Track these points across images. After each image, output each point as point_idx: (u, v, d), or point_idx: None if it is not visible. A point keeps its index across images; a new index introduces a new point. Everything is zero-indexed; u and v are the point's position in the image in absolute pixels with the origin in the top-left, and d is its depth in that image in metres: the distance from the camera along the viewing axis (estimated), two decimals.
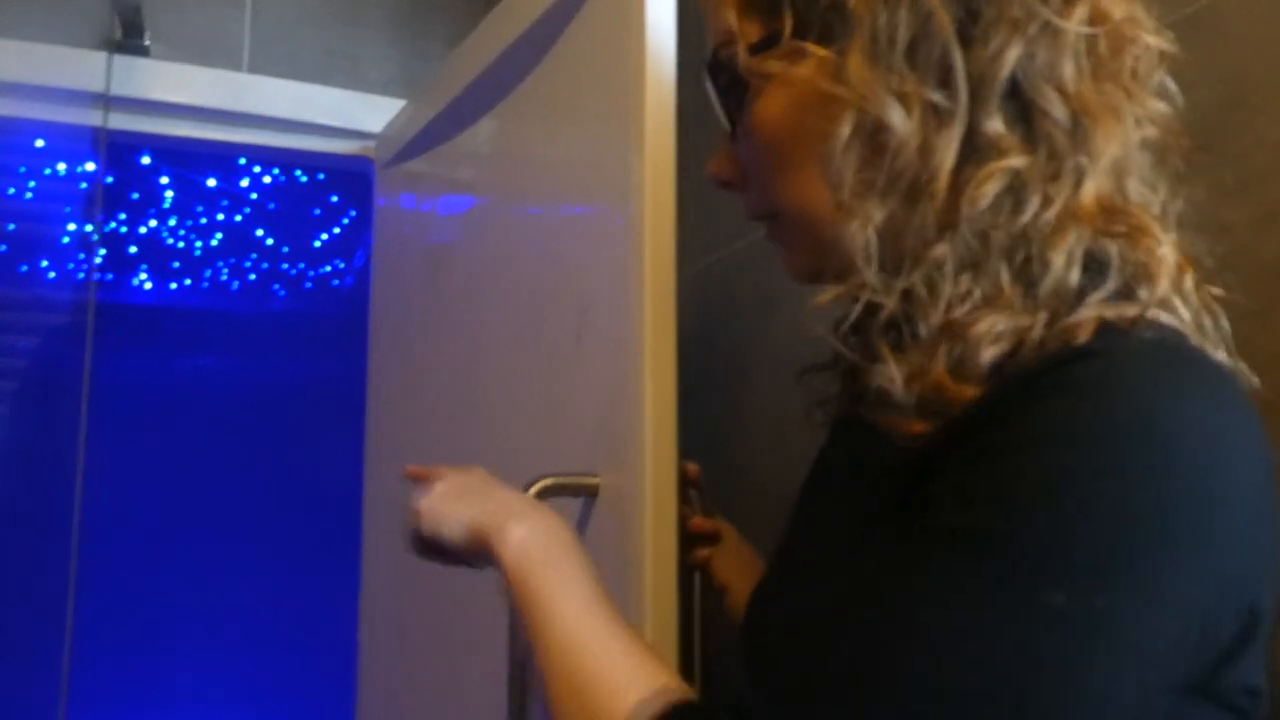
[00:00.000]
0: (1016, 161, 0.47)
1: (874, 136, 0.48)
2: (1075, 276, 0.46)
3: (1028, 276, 0.46)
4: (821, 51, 0.49)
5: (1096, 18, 0.48)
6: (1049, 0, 0.47)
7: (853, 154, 0.48)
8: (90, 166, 2.42)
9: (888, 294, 0.48)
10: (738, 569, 0.88)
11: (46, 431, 2.74)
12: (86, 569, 3.06)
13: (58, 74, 1.40)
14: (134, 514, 3.19)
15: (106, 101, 1.35)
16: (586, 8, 0.97)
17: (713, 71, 0.56)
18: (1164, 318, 0.46)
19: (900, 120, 0.47)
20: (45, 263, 3.00)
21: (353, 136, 1.61)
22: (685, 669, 0.86)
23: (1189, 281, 0.49)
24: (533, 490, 0.82)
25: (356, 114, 1.59)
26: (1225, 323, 0.51)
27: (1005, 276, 0.46)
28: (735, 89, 0.54)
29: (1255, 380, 0.51)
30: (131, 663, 3.13)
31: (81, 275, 2.87)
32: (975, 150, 0.47)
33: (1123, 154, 0.49)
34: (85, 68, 1.40)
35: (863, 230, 0.48)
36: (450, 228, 1.37)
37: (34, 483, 2.76)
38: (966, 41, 0.47)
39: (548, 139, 1.08)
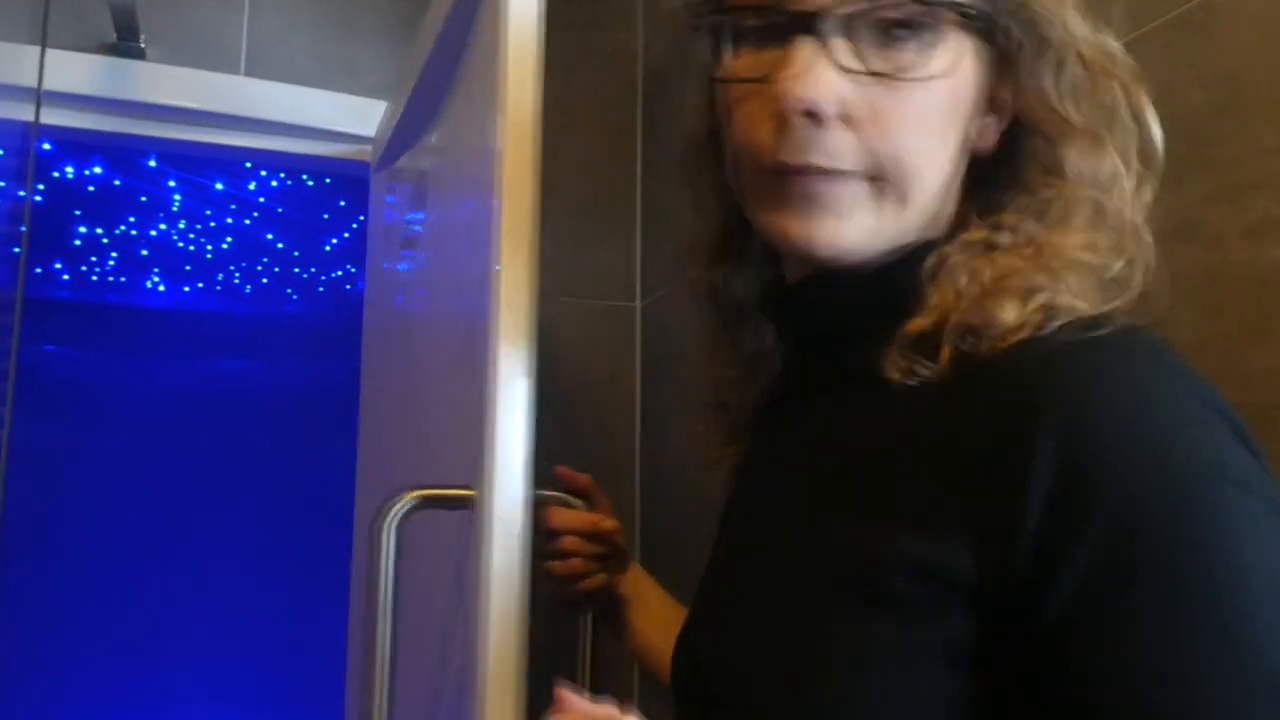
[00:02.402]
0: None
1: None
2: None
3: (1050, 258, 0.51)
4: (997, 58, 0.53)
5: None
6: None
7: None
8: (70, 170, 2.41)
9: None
10: (643, 599, 0.86)
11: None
12: (94, 570, 3.09)
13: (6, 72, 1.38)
14: (146, 515, 3.21)
15: (38, 97, 1.33)
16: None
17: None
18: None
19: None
20: None
21: (350, 140, 1.60)
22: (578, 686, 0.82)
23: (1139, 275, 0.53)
24: (399, 503, 0.79)
25: (353, 118, 1.58)
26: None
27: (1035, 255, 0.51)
28: (931, 32, 0.50)
29: None
30: (134, 663, 3.14)
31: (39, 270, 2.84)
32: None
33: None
34: (27, 63, 1.36)
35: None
36: (412, 233, 1.37)
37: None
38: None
39: (468, 142, 1.03)
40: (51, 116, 1.46)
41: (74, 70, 1.42)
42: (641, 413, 1.69)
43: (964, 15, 0.50)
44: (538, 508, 0.81)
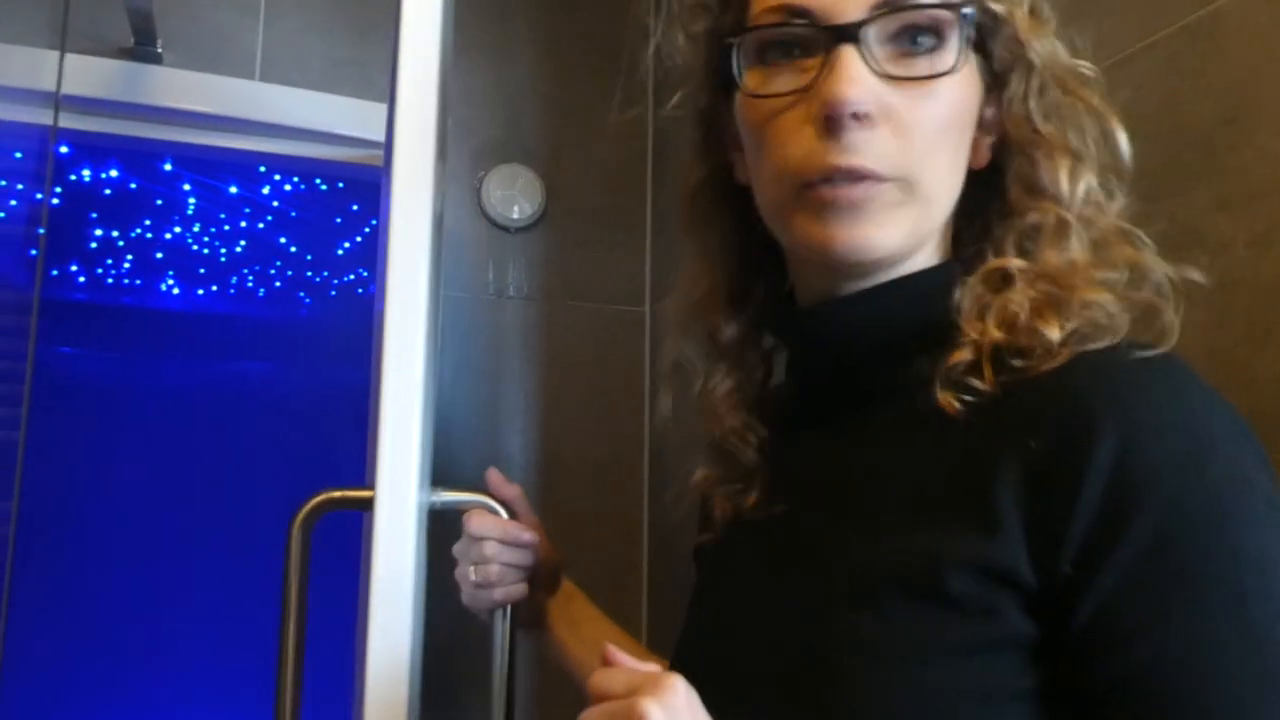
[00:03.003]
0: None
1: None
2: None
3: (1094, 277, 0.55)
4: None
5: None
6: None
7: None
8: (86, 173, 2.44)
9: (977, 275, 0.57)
10: (573, 619, 0.85)
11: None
12: (98, 572, 3.10)
13: (15, 76, 1.39)
14: (158, 515, 3.22)
15: (56, 101, 1.35)
16: None
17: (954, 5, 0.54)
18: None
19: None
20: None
21: (363, 145, 1.62)
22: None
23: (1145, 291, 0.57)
24: (307, 506, 0.79)
25: (366, 123, 1.59)
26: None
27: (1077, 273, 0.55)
28: (964, 40, 0.54)
29: None
30: (145, 664, 3.15)
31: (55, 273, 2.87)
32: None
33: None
34: (34, 67, 1.38)
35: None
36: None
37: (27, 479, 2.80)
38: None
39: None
40: (69, 120, 1.47)
41: (91, 75, 1.44)
42: (650, 416, 1.69)
43: (965, 19, 0.54)
44: (454, 513, 0.80)
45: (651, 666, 0.49)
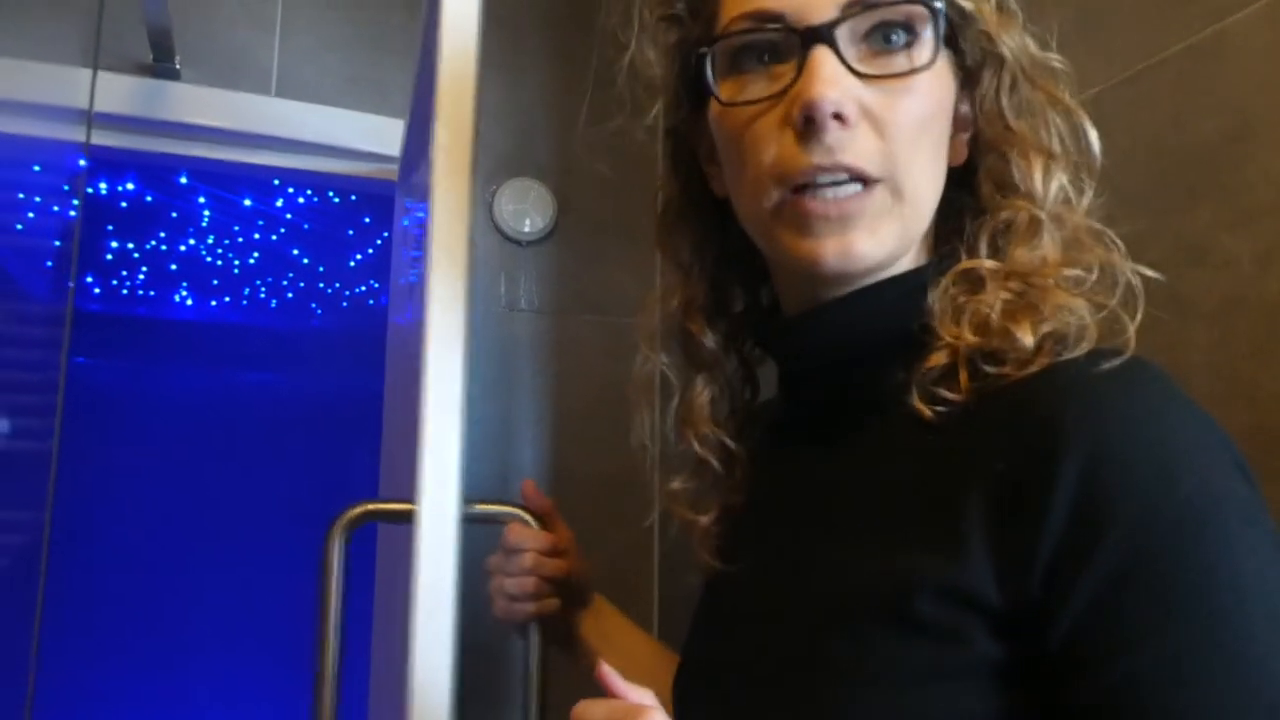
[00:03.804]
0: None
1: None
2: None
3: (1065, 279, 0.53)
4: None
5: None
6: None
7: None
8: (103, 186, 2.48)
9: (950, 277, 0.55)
10: (605, 633, 0.84)
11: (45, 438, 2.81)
12: (110, 581, 3.12)
13: (40, 91, 1.42)
14: (171, 523, 3.24)
15: (89, 119, 1.37)
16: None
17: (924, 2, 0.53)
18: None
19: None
20: (32, 273, 3.09)
21: (377, 159, 1.63)
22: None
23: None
24: (346, 516, 0.80)
25: (381, 137, 1.61)
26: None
27: (1049, 277, 0.53)
28: (934, 39, 0.53)
29: None
30: (155, 671, 3.17)
31: (71, 284, 2.93)
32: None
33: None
34: (67, 85, 1.41)
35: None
36: (420, 247, 1.39)
37: (17, 489, 2.82)
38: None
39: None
40: (79, 134, 1.50)
41: (111, 91, 1.46)
42: (661, 428, 1.70)
43: (938, 14, 0.53)
44: (493, 523, 0.81)
45: (640, 693, 0.49)
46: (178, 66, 1.49)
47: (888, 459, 0.53)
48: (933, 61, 0.53)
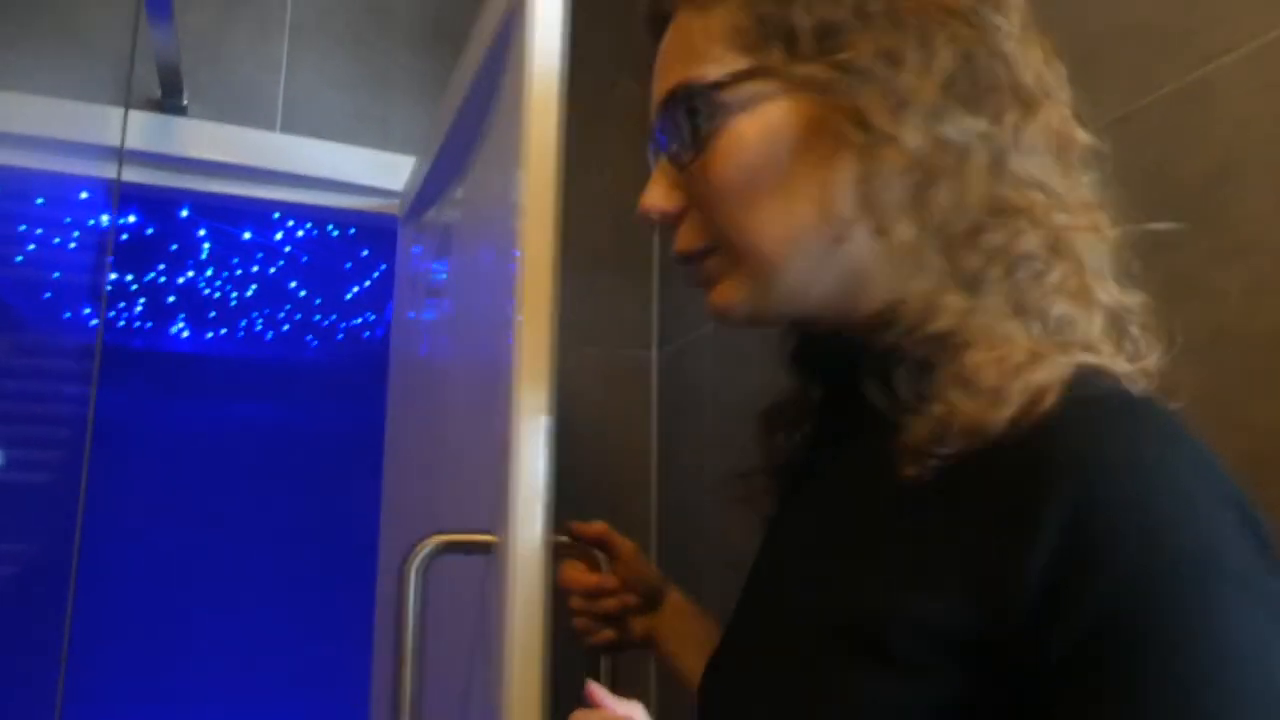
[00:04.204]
0: (1025, 220, 0.51)
1: (888, 178, 0.51)
2: (1093, 325, 0.51)
3: (1040, 322, 0.50)
4: (825, 89, 0.52)
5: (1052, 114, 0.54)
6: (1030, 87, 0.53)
7: (862, 190, 0.51)
8: (105, 219, 2.51)
9: (922, 337, 0.50)
10: (682, 633, 0.85)
11: (54, 471, 2.80)
12: (111, 612, 3.10)
13: (76, 129, 1.46)
14: (166, 558, 3.23)
15: (120, 156, 1.40)
16: (510, 53, 0.95)
17: (674, 99, 0.56)
18: (1108, 363, 0.50)
19: (935, 161, 0.51)
20: (60, 308, 3.10)
21: (380, 194, 1.66)
22: None
23: (1134, 330, 0.54)
24: (423, 548, 0.82)
25: (384, 172, 1.64)
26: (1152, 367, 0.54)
27: (1021, 323, 0.50)
28: (702, 115, 0.54)
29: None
30: (152, 702, 3.14)
31: (95, 322, 2.96)
32: (997, 204, 0.51)
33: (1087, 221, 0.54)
34: (100, 122, 1.45)
35: (910, 268, 0.51)
36: (437, 282, 1.41)
37: (42, 522, 2.82)
38: (971, 103, 0.52)
39: (486, 193, 1.08)
40: (92, 168, 1.52)
41: (118, 125, 1.48)
42: (658, 460, 1.71)
43: (675, 104, 0.55)
44: (557, 555, 0.84)
45: (628, 707, 0.52)
46: (185, 103, 1.52)
47: (874, 488, 0.53)
48: (695, 144, 0.55)
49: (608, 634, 0.86)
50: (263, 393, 3.58)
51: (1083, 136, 0.55)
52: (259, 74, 1.59)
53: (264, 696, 3.27)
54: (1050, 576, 0.41)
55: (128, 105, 1.47)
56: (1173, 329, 0.55)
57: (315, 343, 3.61)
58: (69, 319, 3.14)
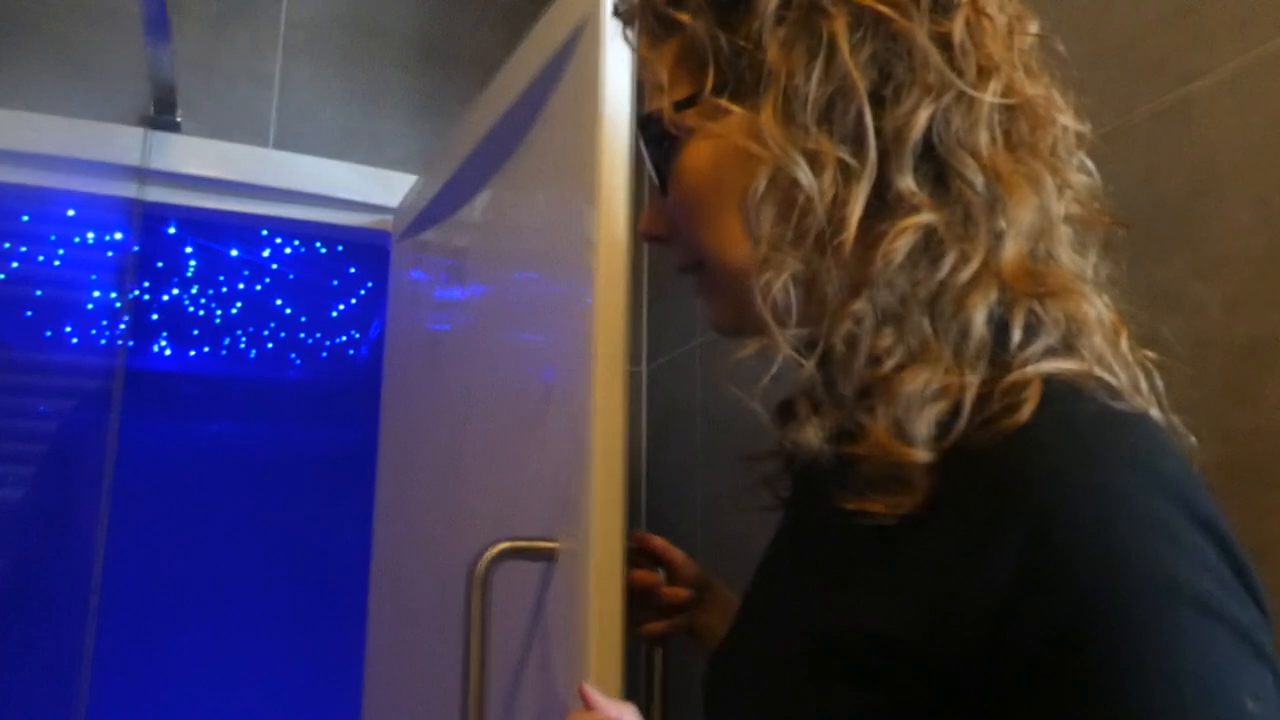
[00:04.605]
0: (928, 218, 0.49)
1: (787, 192, 0.50)
2: (1015, 335, 0.48)
3: (953, 334, 0.48)
4: (739, 108, 0.53)
5: (1011, 92, 0.52)
6: (964, 72, 0.51)
7: (768, 208, 0.51)
8: (119, 236, 2.51)
9: (806, 351, 0.50)
10: (724, 623, 0.89)
11: (70, 494, 2.78)
12: (103, 631, 3.07)
13: (93, 148, 1.47)
14: (151, 576, 3.20)
15: (141, 175, 1.41)
16: (562, 84, 1.01)
17: (644, 126, 0.60)
18: (1100, 373, 0.48)
19: (807, 176, 0.49)
20: (69, 328, 3.08)
21: (372, 210, 1.67)
22: None
23: (1124, 342, 0.51)
24: (489, 554, 0.85)
25: (376, 189, 1.65)
26: (1159, 382, 0.53)
27: (928, 331, 0.48)
28: (664, 142, 0.58)
29: (1192, 439, 0.53)
30: None
31: (104, 342, 2.95)
32: (887, 207, 0.50)
33: (1044, 222, 0.52)
34: (121, 142, 1.47)
35: (776, 283, 0.50)
36: (449, 300, 1.42)
37: (55, 545, 2.79)
38: (879, 102, 0.50)
39: (527, 216, 1.12)
40: (81, 184, 1.53)
41: (111, 141, 1.49)
42: (648, 475, 1.72)
43: (691, 105, 0.56)
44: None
45: (619, 707, 0.53)
46: (178, 119, 1.53)
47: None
48: (660, 171, 0.59)
49: (660, 625, 0.90)
50: (243, 411, 3.56)
51: (1052, 114, 0.53)
52: (253, 91, 1.61)
53: (246, 715, 3.24)
54: (1006, 597, 0.41)
55: (149, 126, 1.49)
56: (1155, 339, 0.56)
57: (298, 361, 3.60)
58: (50, 337, 3.12)
